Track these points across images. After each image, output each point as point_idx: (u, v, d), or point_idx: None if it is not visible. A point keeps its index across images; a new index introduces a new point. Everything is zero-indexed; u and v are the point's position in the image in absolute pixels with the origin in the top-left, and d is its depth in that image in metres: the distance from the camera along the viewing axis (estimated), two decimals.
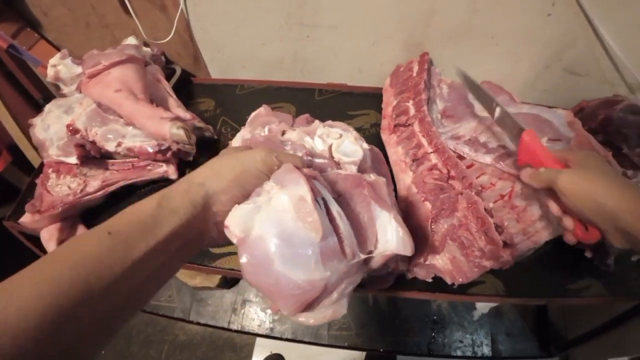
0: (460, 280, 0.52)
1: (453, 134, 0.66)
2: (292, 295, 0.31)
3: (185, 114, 0.71)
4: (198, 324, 1.01)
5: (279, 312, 0.35)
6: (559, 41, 0.71)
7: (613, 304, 0.75)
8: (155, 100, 0.70)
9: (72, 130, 0.62)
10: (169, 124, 0.62)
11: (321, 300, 0.33)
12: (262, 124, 0.57)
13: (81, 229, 0.60)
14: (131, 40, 0.77)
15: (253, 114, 0.65)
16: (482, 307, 0.96)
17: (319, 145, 0.49)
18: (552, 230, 0.54)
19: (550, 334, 0.95)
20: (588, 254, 0.58)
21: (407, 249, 0.37)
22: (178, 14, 0.75)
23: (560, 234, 0.53)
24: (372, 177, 0.44)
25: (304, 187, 0.33)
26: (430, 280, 0.54)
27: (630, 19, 0.64)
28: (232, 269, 0.58)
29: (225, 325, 0.99)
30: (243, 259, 0.32)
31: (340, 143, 0.49)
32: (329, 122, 0.57)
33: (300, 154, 0.46)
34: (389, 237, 0.38)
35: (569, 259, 0.59)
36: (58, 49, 0.84)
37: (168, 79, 0.79)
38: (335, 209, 0.35)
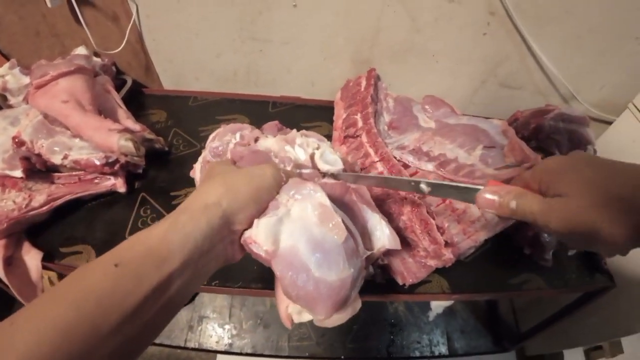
0: (411, 280, 0.54)
1: (399, 144, 0.70)
2: (329, 297, 0.33)
3: (135, 126, 0.69)
4: (153, 344, 0.96)
5: (291, 323, 0.37)
6: (495, 58, 0.78)
7: (555, 296, 0.80)
8: (104, 111, 0.69)
9: (18, 143, 0.60)
10: (117, 136, 0.61)
11: (350, 298, 0.35)
12: (232, 130, 0.56)
13: (27, 246, 0.58)
14: (81, 50, 0.76)
15: (213, 134, 0.62)
16: (436, 307, 1.00)
17: (300, 155, 0.49)
18: (490, 229, 0.58)
19: (502, 330, 1.01)
20: (527, 251, 0.63)
21: (397, 244, 0.40)
22: (130, 25, 0.75)
23: (497, 232, 0.57)
24: (353, 185, 0.45)
25: (323, 194, 0.35)
26: (383, 281, 0.56)
27: (560, 34, 0.72)
28: None
29: (182, 344, 0.95)
30: (280, 272, 0.33)
31: (322, 152, 0.49)
32: (303, 131, 0.56)
33: (289, 167, 0.46)
34: (379, 235, 0.40)
35: (509, 255, 0.63)
36: (7, 58, 0.81)
37: (118, 89, 0.78)
38: (340, 213, 0.36)
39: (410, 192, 0.49)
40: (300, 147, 0.49)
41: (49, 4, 0.70)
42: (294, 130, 0.53)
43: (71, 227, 0.61)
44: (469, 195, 0.37)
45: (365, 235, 0.40)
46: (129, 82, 0.82)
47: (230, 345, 0.95)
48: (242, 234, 0.35)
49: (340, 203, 0.41)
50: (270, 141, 0.51)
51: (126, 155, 0.63)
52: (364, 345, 0.93)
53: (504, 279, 0.61)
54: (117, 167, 0.64)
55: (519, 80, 0.80)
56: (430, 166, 0.65)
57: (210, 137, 0.59)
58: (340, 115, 0.75)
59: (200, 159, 0.56)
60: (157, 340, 0.96)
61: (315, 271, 0.32)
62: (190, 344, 0.95)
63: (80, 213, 0.63)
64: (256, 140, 0.52)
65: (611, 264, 0.64)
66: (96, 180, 0.65)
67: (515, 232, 0.64)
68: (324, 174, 0.48)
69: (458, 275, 0.59)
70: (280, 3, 0.71)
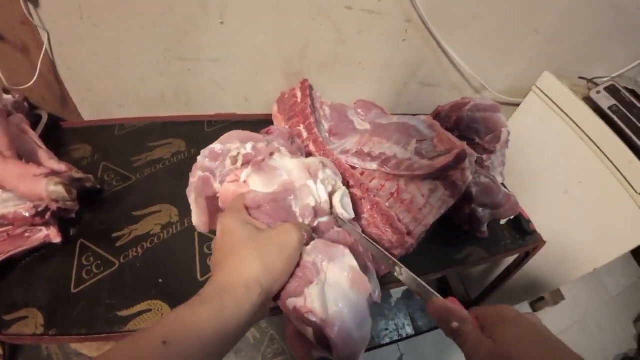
0: (381, 273, 0.58)
1: (342, 149, 0.73)
2: (363, 348, 0.37)
3: (60, 166, 0.63)
4: None
5: None
6: (414, 61, 0.86)
7: (496, 261, 0.90)
8: (24, 154, 0.61)
9: None
10: (44, 181, 0.56)
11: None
12: (241, 138, 0.49)
13: None
14: None
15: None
16: (396, 292, 1.07)
17: (322, 194, 0.47)
18: (435, 212, 0.64)
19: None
20: (465, 227, 0.70)
21: (379, 299, 0.44)
22: (42, 55, 0.68)
23: (441, 214, 0.63)
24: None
25: (351, 257, 0.38)
26: None
27: (469, 36, 0.81)
28: None
29: None
30: (333, 337, 0.35)
31: (341, 195, 0.48)
32: (322, 159, 0.51)
33: (309, 219, 0.45)
34: (373, 288, 0.43)
35: (451, 234, 0.70)
36: None
37: (34, 127, 0.70)
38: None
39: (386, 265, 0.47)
40: (322, 183, 0.47)
41: None
42: (317, 160, 0.50)
43: (9, 292, 0.54)
44: (426, 296, 0.40)
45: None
46: (45, 118, 0.74)
47: None
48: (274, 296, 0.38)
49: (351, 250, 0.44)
50: (288, 163, 0.48)
51: (57, 202, 0.57)
52: None
53: (451, 255, 0.68)
54: (48, 215, 0.57)
55: (437, 78, 0.90)
56: (374, 165, 0.69)
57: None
58: None
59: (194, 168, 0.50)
60: None
61: (355, 332, 0.36)
62: None
63: (15, 274, 0.56)
64: (272, 154, 0.48)
65: (539, 225, 0.75)
66: (27, 234, 0.58)
67: (454, 212, 0.71)
68: (336, 219, 0.47)
69: (412, 260, 0.62)
70: (207, 21, 0.70)
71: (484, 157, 0.72)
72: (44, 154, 0.65)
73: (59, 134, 0.76)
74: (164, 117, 0.82)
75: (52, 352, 0.86)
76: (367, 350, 0.95)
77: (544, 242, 0.74)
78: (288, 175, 0.47)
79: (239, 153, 0.48)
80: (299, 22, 0.73)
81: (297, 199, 0.46)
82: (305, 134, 0.70)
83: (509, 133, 0.72)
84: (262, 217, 0.43)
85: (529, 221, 0.75)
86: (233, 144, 0.49)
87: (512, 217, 0.73)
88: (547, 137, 0.94)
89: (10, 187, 0.56)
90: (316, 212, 0.46)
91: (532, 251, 0.76)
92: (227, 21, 0.70)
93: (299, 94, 0.77)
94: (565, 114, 0.89)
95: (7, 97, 0.68)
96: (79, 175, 0.64)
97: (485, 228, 0.70)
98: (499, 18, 0.81)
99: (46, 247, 0.59)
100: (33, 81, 0.69)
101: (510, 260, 0.84)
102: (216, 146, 0.49)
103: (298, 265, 0.39)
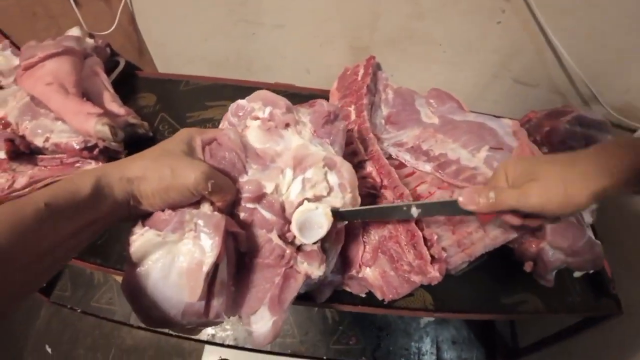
0: (391, 296, 0.50)
1: (396, 140, 0.65)
2: (146, 318, 0.37)
3: (120, 109, 0.68)
4: (139, 328, 0.96)
5: None
6: (509, 50, 0.71)
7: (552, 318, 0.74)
8: (91, 94, 0.67)
9: (4, 124, 0.62)
10: (94, 120, 0.60)
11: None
12: (265, 100, 0.46)
13: None
14: (74, 31, 0.74)
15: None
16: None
17: (292, 192, 0.41)
18: (487, 243, 0.53)
19: (497, 343, 0.95)
20: (527, 268, 0.57)
21: (259, 346, 0.41)
22: (121, 6, 0.73)
23: (496, 247, 0.52)
24: (304, 266, 0.41)
25: (211, 257, 0.35)
26: (364, 295, 0.53)
27: (583, 27, 0.65)
28: None
29: (167, 330, 0.95)
30: (127, 271, 0.37)
31: (310, 209, 0.40)
32: (336, 159, 0.43)
33: (247, 195, 0.40)
34: (258, 325, 0.40)
35: (506, 271, 0.58)
36: (8, 38, 0.81)
37: (110, 72, 0.76)
38: (222, 277, 0.37)
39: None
40: (303, 183, 0.41)
41: None
42: (321, 155, 0.42)
43: None
44: (454, 207, 0.41)
45: (250, 310, 0.40)
46: (122, 64, 0.80)
47: (213, 336, 0.93)
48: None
49: (258, 267, 0.40)
50: (293, 141, 0.44)
51: (104, 140, 0.62)
52: (349, 348, 0.90)
53: (497, 298, 0.56)
54: (96, 152, 0.63)
55: (535, 76, 0.74)
56: (428, 167, 0.60)
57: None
58: None
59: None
60: (143, 324, 0.97)
61: (146, 298, 0.35)
62: (174, 331, 0.95)
63: None
64: (287, 125, 0.44)
65: (620, 289, 0.58)
66: (78, 164, 0.64)
67: (517, 244, 0.58)
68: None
69: (445, 290, 0.54)
70: None
71: None
72: (108, 96, 0.70)
73: (133, 81, 0.82)
74: (226, 79, 0.82)
75: (95, 272, 0.97)
76: None
77: (620, 312, 0.57)
78: (281, 150, 0.43)
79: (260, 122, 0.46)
80: None
81: (259, 173, 0.42)
82: (353, 116, 0.63)
83: None
84: (207, 154, 0.42)
85: (611, 280, 0.58)
86: (257, 104, 0.47)
87: (590, 271, 0.57)
88: None
89: (67, 120, 0.62)
90: (260, 199, 0.41)
91: (603, 318, 0.59)
92: None
93: (361, 72, 0.69)
94: None
95: (89, 41, 0.75)
96: (134, 120, 0.68)
97: (552, 276, 0.55)
98: (623, 11, 0.61)
99: None
100: (112, 29, 0.75)
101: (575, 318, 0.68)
102: (242, 102, 0.48)
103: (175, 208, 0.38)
